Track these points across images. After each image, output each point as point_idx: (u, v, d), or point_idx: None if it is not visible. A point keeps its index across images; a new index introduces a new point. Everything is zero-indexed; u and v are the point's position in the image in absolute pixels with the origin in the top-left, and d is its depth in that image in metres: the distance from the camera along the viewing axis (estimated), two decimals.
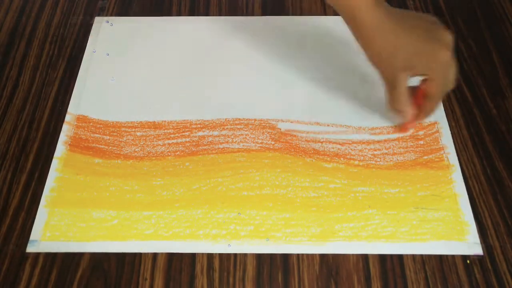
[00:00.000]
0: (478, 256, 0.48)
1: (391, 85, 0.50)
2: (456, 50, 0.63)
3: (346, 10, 0.48)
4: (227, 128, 0.56)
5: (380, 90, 0.59)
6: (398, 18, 0.48)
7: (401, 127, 0.56)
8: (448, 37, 0.47)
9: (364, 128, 0.56)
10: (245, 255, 0.48)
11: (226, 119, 0.57)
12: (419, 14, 0.51)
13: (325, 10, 0.69)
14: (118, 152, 0.54)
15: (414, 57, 0.47)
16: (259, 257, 0.48)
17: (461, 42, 0.65)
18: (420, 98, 0.51)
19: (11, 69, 0.62)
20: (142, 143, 0.55)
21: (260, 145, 0.55)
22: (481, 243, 0.48)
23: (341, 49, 0.64)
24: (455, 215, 0.50)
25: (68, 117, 0.57)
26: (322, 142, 0.55)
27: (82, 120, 0.57)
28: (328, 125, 0.56)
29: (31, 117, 0.57)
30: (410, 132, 0.56)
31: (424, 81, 0.50)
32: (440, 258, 0.47)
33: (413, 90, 0.51)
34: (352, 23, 0.49)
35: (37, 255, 0.48)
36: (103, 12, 0.68)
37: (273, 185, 0.52)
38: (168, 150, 0.54)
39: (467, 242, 0.48)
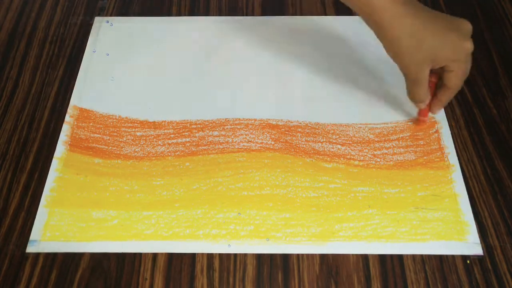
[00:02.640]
0: (478, 256, 0.48)
1: (414, 78, 0.49)
2: None
3: (366, 9, 0.47)
4: (227, 128, 0.56)
5: (380, 90, 0.60)
6: (417, 11, 0.47)
7: (419, 121, 0.56)
8: (468, 26, 0.48)
9: (364, 128, 0.56)
10: (245, 255, 0.48)
11: (226, 119, 0.57)
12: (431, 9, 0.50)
13: (325, 10, 0.69)
14: (118, 152, 0.54)
15: (439, 49, 0.47)
16: (259, 257, 0.48)
17: None
18: (432, 89, 0.52)
19: (11, 69, 0.62)
20: (142, 143, 0.55)
21: (260, 145, 0.55)
22: (481, 243, 0.48)
23: (341, 48, 0.64)
24: (455, 215, 0.50)
25: (68, 117, 0.57)
26: (322, 142, 0.55)
27: (82, 117, 0.57)
28: (328, 125, 0.56)
29: (31, 117, 0.57)
30: (426, 123, 0.56)
31: (435, 73, 0.50)
32: (440, 258, 0.47)
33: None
34: (373, 21, 0.48)
35: (37, 255, 0.48)
36: (103, 12, 0.68)
37: (273, 185, 0.52)
38: (168, 150, 0.54)
39: (467, 242, 0.48)
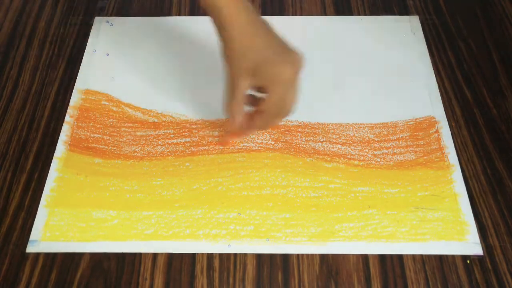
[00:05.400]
0: (478, 256, 0.48)
1: (232, 86, 0.48)
2: (456, 50, 0.64)
3: (214, 7, 0.47)
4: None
5: (380, 90, 0.60)
6: (262, 26, 0.47)
7: (223, 139, 0.55)
8: (297, 58, 0.46)
9: (365, 127, 0.56)
10: (245, 255, 0.48)
11: (226, 119, 0.57)
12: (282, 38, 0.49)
13: (325, 10, 0.69)
14: (118, 152, 0.54)
15: (261, 64, 0.45)
16: (259, 257, 0.48)
17: (461, 42, 0.65)
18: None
19: (11, 69, 0.62)
20: (142, 143, 0.55)
21: (260, 145, 0.55)
22: (481, 243, 0.48)
23: (341, 49, 0.64)
24: (455, 215, 0.50)
25: (68, 117, 0.57)
26: (322, 142, 0.55)
27: (82, 117, 0.57)
28: (328, 125, 0.56)
29: (31, 117, 0.57)
30: (229, 144, 0.54)
31: (261, 100, 0.48)
32: (440, 258, 0.47)
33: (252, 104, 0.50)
34: (218, 19, 0.47)
35: (37, 255, 0.48)
36: (103, 12, 0.68)
37: (273, 185, 0.52)
38: (168, 150, 0.54)
39: (467, 242, 0.48)
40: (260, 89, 0.48)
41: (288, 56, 0.46)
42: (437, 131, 0.56)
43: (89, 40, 0.65)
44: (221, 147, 0.55)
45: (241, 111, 0.49)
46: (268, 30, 0.47)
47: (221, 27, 0.47)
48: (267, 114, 0.48)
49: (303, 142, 0.55)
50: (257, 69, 0.46)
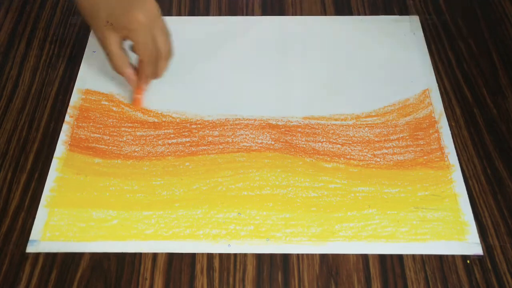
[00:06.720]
0: (478, 256, 0.48)
1: (102, 45, 0.52)
2: (456, 50, 0.64)
3: None
4: (227, 128, 0.56)
5: (380, 90, 0.60)
6: None
7: (133, 100, 0.58)
8: (148, 3, 0.51)
9: (365, 127, 0.56)
10: (245, 255, 0.48)
11: (226, 119, 0.57)
12: None
13: (325, 10, 0.69)
14: (118, 152, 0.54)
15: (115, 14, 0.50)
16: (259, 257, 0.48)
17: (461, 42, 0.65)
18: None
19: (11, 69, 0.62)
20: (142, 143, 0.55)
21: (260, 145, 0.55)
22: (481, 243, 0.48)
23: (341, 48, 0.64)
24: (455, 215, 0.50)
25: (68, 117, 0.57)
26: (322, 142, 0.55)
27: (82, 117, 0.57)
28: (328, 125, 0.56)
29: (31, 117, 0.57)
30: (142, 104, 0.58)
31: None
32: (440, 258, 0.47)
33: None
34: None
35: (37, 255, 0.48)
36: None
37: (273, 185, 0.52)
38: (168, 150, 0.54)
39: (467, 242, 0.48)
40: (127, 39, 0.52)
41: (138, 3, 0.50)
42: (437, 131, 0.56)
43: (89, 40, 0.65)
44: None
45: (126, 64, 0.54)
46: None
47: None
48: (144, 60, 0.53)
49: (303, 142, 0.55)
50: (114, 20, 0.50)
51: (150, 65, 0.54)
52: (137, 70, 0.55)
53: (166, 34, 0.54)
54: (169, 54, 0.55)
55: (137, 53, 0.53)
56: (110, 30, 0.51)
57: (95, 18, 0.51)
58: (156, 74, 0.56)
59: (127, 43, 0.54)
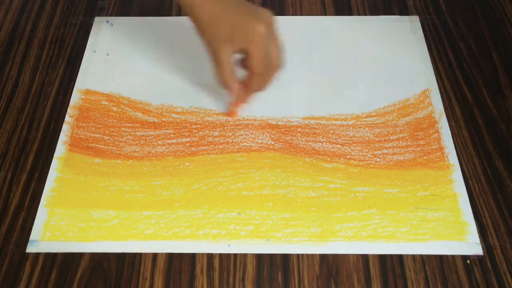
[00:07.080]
0: (478, 256, 0.48)
1: (215, 57, 0.52)
2: (456, 50, 0.64)
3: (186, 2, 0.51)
4: (227, 128, 0.56)
5: (380, 90, 0.60)
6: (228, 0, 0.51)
7: (229, 111, 0.57)
8: (267, 15, 0.50)
9: (365, 127, 0.56)
10: (245, 255, 0.48)
11: (226, 119, 0.57)
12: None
13: (325, 10, 0.69)
14: (118, 152, 0.54)
15: (234, 29, 0.49)
16: (259, 257, 0.48)
17: (461, 42, 0.65)
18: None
19: (11, 69, 0.62)
20: (142, 143, 0.55)
21: (260, 145, 0.55)
22: (481, 243, 0.48)
23: (341, 49, 0.64)
24: (455, 215, 0.50)
25: (68, 117, 0.57)
26: (322, 142, 0.55)
27: (82, 117, 0.57)
28: (328, 125, 0.56)
29: (31, 117, 0.57)
30: (236, 114, 0.57)
31: (246, 59, 0.51)
32: (440, 258, 0.47)
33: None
34: (188, 9, 0.51)
35: (37, 255, 0.48)
36: (103, 12, 0.68)
37: (273, 185, 0.52)
38: (168, 150, 0.54)
39: (467, 242, 0.48)
40: (242, 52, 0.51)
41: (257, 14, 0.50)
42: (437, 131, 0.56)
43: (89, 40, 0.65)
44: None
45: (233, 77, 0.52)
46: (233, 0, 0.51)
47: (189, 13, 0.52)
48: (256, 73, 0.51)
49: (303, 142, 0.55)
50: (233, 33, 0.49)
51: (260, 78, 0.52)
52: (243, 82, 0.53)
53: (279, 47, 0.52)
54: (279, 68, 0.53)
55: (251, 64, 0.50)
56: (226, 42, 0.50)
57: (213, 34, 0.50)
58: (262, 87, 0.54)
59: (234, 57, 0.52)
